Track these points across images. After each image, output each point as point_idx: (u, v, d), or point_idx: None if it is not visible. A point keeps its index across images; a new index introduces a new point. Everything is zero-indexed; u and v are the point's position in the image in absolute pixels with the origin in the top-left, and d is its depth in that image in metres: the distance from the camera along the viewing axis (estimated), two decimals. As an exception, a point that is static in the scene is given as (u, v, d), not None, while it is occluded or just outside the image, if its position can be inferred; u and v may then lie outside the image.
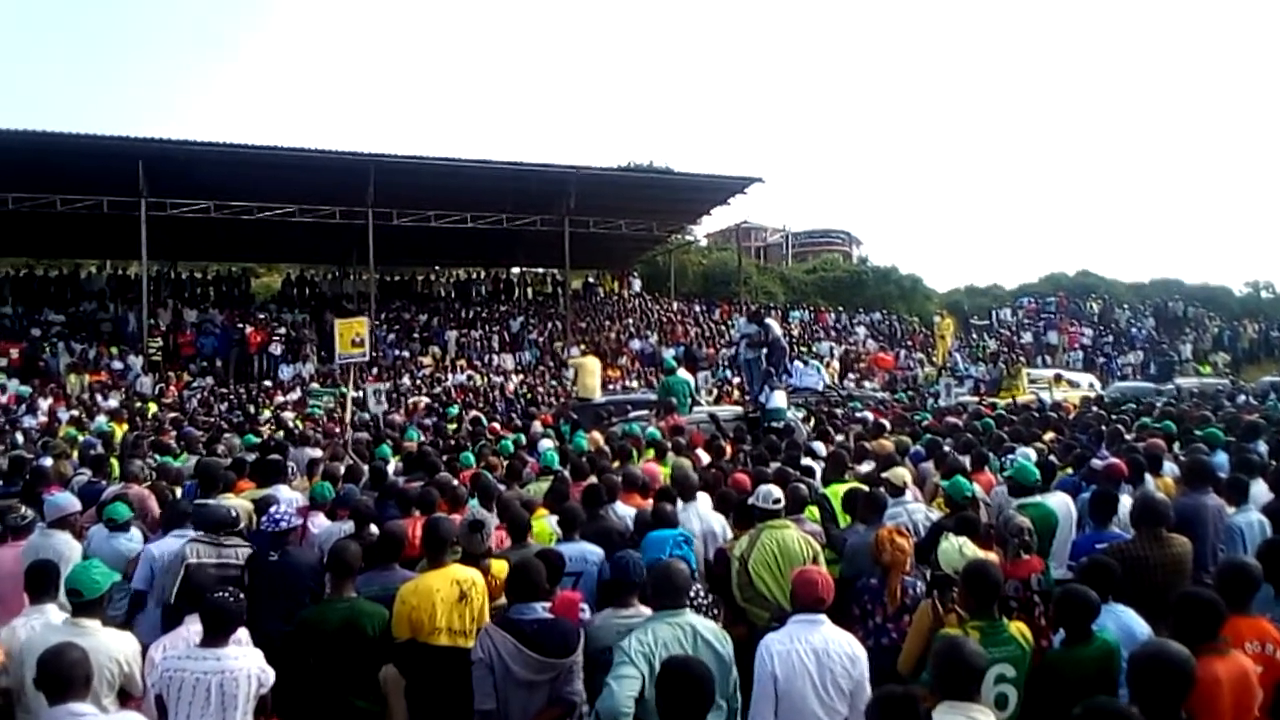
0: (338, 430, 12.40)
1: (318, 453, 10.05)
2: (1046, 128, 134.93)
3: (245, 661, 4.13)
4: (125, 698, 4.41)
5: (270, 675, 4.22)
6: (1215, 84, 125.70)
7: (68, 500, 6.30)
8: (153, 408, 18.93)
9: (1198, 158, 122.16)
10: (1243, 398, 18.61)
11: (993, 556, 4.87)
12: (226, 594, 4.26)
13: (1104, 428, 10.15)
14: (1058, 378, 21.04)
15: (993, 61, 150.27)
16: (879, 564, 5.08)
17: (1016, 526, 5.30)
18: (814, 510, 6.62)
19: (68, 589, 4.49)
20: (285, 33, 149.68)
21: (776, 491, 5.84)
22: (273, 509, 5.90)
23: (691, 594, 4.48)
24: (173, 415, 17.51)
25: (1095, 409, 13.42)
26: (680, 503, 6.62)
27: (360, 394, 15.02)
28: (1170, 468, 7.86)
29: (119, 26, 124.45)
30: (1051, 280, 44.07)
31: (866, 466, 8.05)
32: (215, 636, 4.14)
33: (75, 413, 17.88)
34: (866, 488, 6.67)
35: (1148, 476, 7.29)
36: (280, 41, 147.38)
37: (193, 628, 4.57)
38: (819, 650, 4.00)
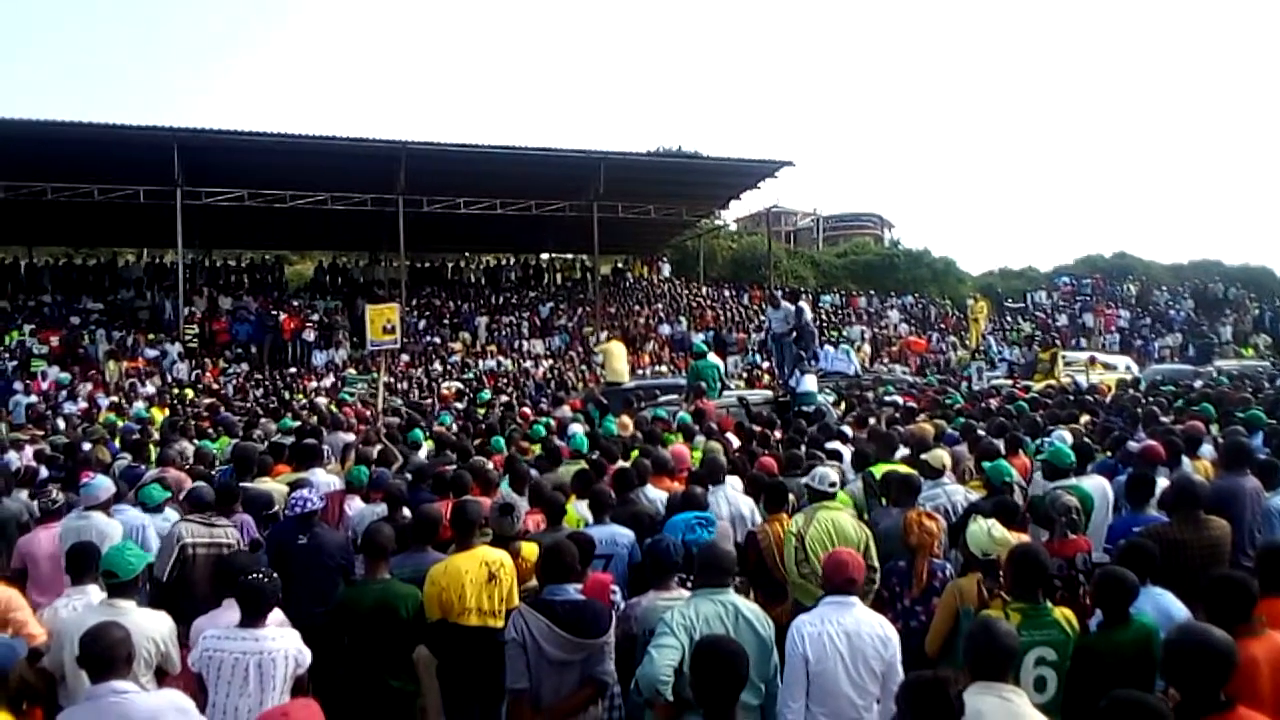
0: (370, 415, 12.48)
1: (352, 437, 10.16)
2: (1082, 107, 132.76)
3: (283, 642, 4.20)
4: (161, 675, 4.49)
5: (307, 655, 4.28)
6: (1255, 61, 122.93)
7: (103, 484, 6.43)
8: (190, 393, 19.23)
9: (1238, 136, 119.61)
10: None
11: (1024, 539, 4.82)
12: (260, 574, 4.31)
13: (1139, 410, 10.01)
14: (1093, 360, 20.71)
15: (1027, 40, 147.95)
16: (906, 546, 5.07)
17: (1064, 505, 5.27)
18: (845, 496, 6.58)
19: (103, 570, 4.57)
20: (315, 20, 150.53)
21: (833, 475, 5.88)
22: (294, 494, 5.98)
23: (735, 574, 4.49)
24: (208, 401, 17.78)
25: (1131, 391, 13.24)
26: (710, 486, 6.63)
27: (391, 379, 15.07)
28: (1208, 450, 7.74)
29: (150, 14, 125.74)
30: (1087, 262, 43.33)
31: (900, 452, 8.00)
32: (252, 617, 4.20)
33: (115, 399, 18.21)
34: (904, 470, 6.64)
35: (1184, 459, 7.20)
36: (310, 29, 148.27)
37: (230, 613, 4.65)
38: (850, 632, 3.99)
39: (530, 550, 5.40)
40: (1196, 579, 4.61)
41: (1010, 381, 18.62)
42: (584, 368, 24.34)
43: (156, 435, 11.67)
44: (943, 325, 33.65)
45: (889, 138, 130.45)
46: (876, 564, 5.37)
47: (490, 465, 7.66)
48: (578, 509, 6.32)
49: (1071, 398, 12.87)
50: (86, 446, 9.97)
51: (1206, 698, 3.04)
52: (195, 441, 10.12)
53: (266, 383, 21.45)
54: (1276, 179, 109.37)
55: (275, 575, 4.42)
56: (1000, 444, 7.78)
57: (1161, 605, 4.26)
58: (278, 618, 4.46)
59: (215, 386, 20.81)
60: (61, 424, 14.71)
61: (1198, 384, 15.94)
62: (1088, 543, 5.31)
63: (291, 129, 23.49)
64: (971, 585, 4.54)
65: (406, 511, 6.15)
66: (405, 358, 23.60)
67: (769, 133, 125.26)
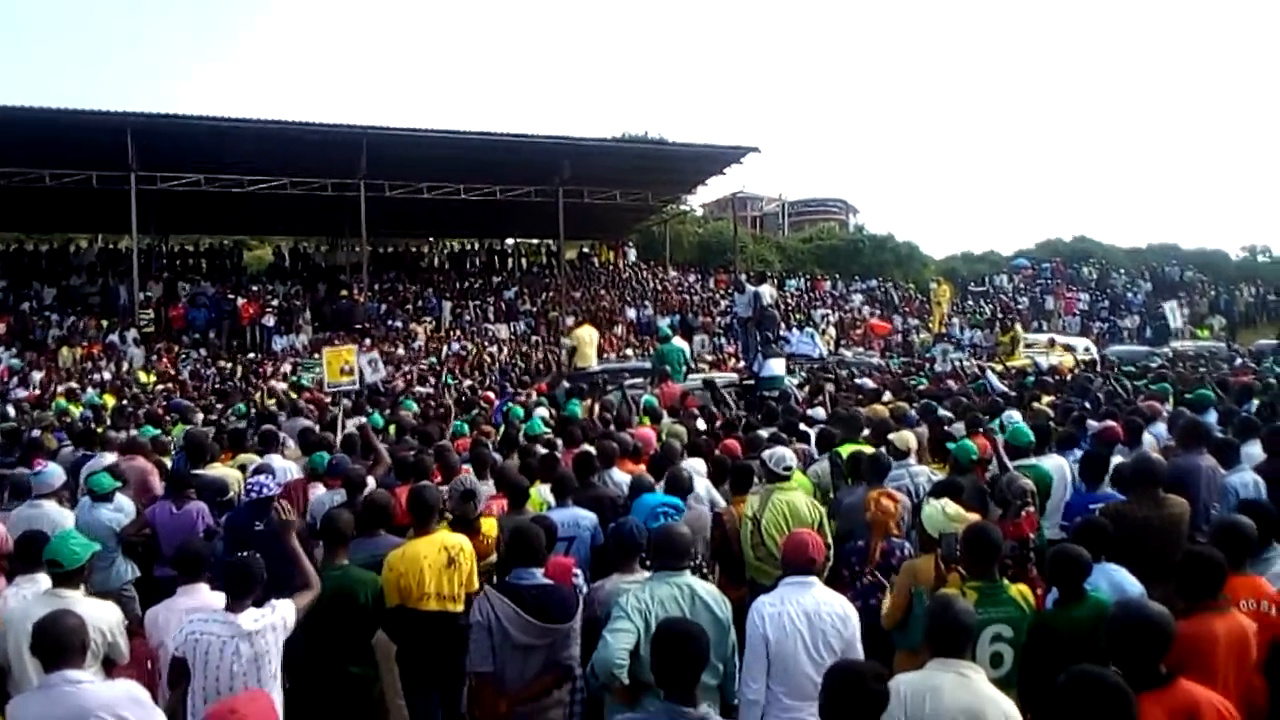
0: (328, 401, 12.30)
1: (309, 423, 10.02)
2: (1042, 93, 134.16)
3: (268, 617, 4.09)
4: (110, 665, 4.39)
5: (292, 615, 4.19)
6: (1211, 47, 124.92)
7: (55, 472, 6.29)
8: (145, 378, 18.89)
9: (1194, 122, 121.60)
10: (1239, 360, 18.61)
11: (975, 518, 4.84)
12: (245, 554, 4.20)
13: (1099, 392, 10.15)
14: (1052, 342, 20.97)
15: (987, 26, 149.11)
16: (863, 523, 5.11)
17: (1020, 489, 5.32)
18: (804, 478, 6.58)
19: (46, 560, 4.46)
20: (282, 7, 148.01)
21: (790, 457, 5.88)
22: (251, 479, 5.87)
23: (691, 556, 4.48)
24: (160, 387, 17.44)
25: (1089, 372, 13.44)
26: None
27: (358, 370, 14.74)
28: (1161, 429, 7.84)
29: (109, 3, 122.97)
30: (1048, 246, 43.93)
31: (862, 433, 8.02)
32: (238, 599, 4.08)
33: (71, 385, 17.82)
34: (871, 450, 6.67)
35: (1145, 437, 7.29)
36: (273, 13, 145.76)
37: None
38: (810, 611, 4.00)
39: (490, 526, 5.37)
40: (1154, 556, 4.67)
41: (974, 363, 18.80)
42: (549, 351, 24.21)
43: (110, 422, 11.43)
44: (906, 309, 33.90)
45: (854, 124, 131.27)
46: (830, 542, 5.39)
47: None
48: (540, 492, 6.28)
49: (1033, 378, 13.03)
50: (36, 433, 9.74)
51: (1146, 671, 3.07)
52: (140, 428, 9.84)
53: (225, 368, 21.08)
54: (1231, 165, 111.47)
55: (259, 556, 4.28)
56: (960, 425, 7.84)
57: (1116, 581, 4.31)
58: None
59: (171, 372, 20.41)
60: (11, 410, 14.37)
61: (1154, 364, 16.20)
62: (1036, 522, 5.36)
63: (252, 114, 22.90)
64: (927, 566, 4.55)
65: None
66: (367, 342, 23.31)
67: (735, 119, 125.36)
